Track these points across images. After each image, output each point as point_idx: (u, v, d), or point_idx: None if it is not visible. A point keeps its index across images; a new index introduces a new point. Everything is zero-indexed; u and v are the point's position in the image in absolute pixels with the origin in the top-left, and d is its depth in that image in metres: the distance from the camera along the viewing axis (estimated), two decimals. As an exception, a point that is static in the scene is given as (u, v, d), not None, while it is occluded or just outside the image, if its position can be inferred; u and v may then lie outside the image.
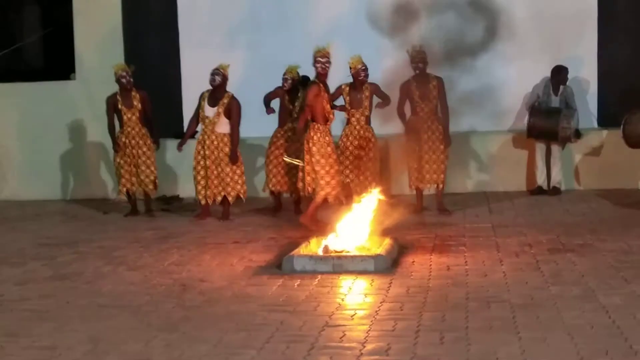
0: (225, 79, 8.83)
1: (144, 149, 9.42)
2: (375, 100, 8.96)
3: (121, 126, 9.42)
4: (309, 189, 8.10)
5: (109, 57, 10.40)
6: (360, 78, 8.71)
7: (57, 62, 12.18)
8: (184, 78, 11.31)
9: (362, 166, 8.89)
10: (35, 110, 11.33)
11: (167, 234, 8.19)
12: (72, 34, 11.26)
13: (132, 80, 9.33)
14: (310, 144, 8.02)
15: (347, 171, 8.89)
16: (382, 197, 7.02)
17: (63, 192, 11.28)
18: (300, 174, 8.26)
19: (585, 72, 10.68)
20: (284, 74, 9.22)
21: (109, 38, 11.06)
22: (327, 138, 8.08)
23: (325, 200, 8.08)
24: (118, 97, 9.38)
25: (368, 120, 8.94)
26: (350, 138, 8.90)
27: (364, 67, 8.69)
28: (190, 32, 11.24)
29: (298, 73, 9.26)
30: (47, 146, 11.24)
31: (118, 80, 9.33)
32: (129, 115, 9.37)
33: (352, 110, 8.88)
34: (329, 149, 8.06)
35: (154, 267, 6.76)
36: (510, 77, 10.67)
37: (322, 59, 8.14)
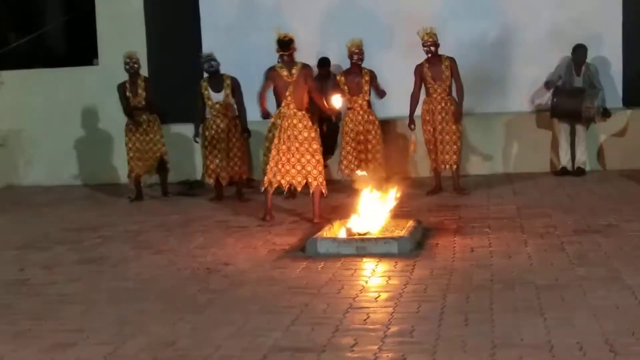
0: (219, 64, 9.02)
1: (151, 135, 9.51)
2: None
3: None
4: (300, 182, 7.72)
5: (131, 42, 10.45)
6: (353, 61, 9.00)
7: (80, 48, 12.25)
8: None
9: (368, 151, 9.12)
10: (59, 96, 11.41)
11: (190, 218, 8.24)
12: (94, 20, 11.31)
13: (136, 66, 9.44)
14: (296, 132, 7.60)
15: (351, 157, 9.13)
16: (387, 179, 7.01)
17: (87, 178, 11.36)
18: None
19: (610, 50, 10.54)
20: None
21: (131, 23, 11.11)
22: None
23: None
24: (127, 84, 9.48)
25: (369, 104, 9.16)
26: (354, 123, 9.13)
27: (356, 51, 8.98)
28: (211, 15, 11.23)
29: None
30: (70, 132, 11.32)
31: (124, 67, 9.43)
32: (135, 103, 9.47)
33: (353, 97, 9.09)
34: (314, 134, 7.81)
35: (179, 250, 6.81)
36: (534, 57, 10.56)
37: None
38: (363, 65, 9.14)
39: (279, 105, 7.76)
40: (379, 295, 5.11)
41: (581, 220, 7.19)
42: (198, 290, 5.45)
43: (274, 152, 7.55)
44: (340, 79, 9.15)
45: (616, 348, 3.97)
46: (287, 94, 7.60)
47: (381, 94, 9.24)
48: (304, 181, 7.66)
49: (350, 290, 5.27)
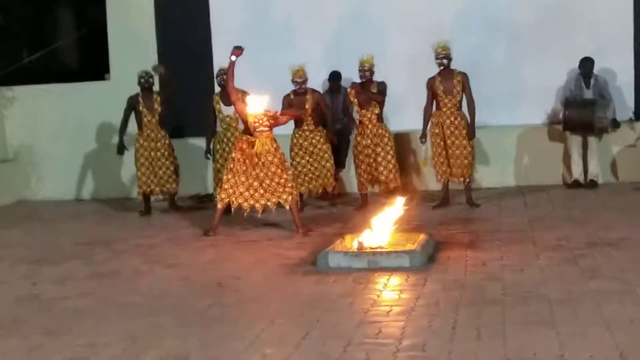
0: None
1: (162, 151, 9.54)
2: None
3: (140, 128, 9.54)
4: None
5: (142, 58, 10.52)
6: (364, 78, 9.04)
7: (92, 63, 12.32)
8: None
9: (378, 163, 9.12)
10: (71, 111, 11.49)
11: (202, 232, 8.24)
12: (106, 35, 11.39)
13: (151, 81, 9.48)
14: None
15: (365, 176, 9.21)
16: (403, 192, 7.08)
17: (98, 192, 11.41)
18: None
19: (621, 62, 10.51)
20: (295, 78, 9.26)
21: (143, 39, 11.18)
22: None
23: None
24: (140, 98, 9.51)
25: (380, 118, 9.14)
26: (364, 137, 9.16)
27: (364, 68, 9.01)
28: (222, 32, 11.27)
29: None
30: (82, 146, 11.38)
31: (138, 82, 9.49)
32: (149, 118, 9.51)
33: (363, 110, 9.08)
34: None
35: (190, 264, 6.81)
36: (545, 69, 10.56)
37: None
38: (375, 79, 9.16)
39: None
40: (391, 309, 5.09)
41: (594, 233, 7.15)
42: (209, 305, 5.44)
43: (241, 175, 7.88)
44: (351, 91, 9.17)
45: (630, 362, 3.94)
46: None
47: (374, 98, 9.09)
48: (277, 200, 7.87)
49: (361, 304, 5.25)
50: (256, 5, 11.27)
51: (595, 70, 10.00)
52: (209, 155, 9.43)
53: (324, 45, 10.94)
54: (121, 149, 9.64)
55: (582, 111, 9.69)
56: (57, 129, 11.51)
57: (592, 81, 9.95)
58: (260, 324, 4.91)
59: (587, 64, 9.92)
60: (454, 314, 4.89)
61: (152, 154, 9.55)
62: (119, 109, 10.39)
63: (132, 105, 9.56)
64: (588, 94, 9.95)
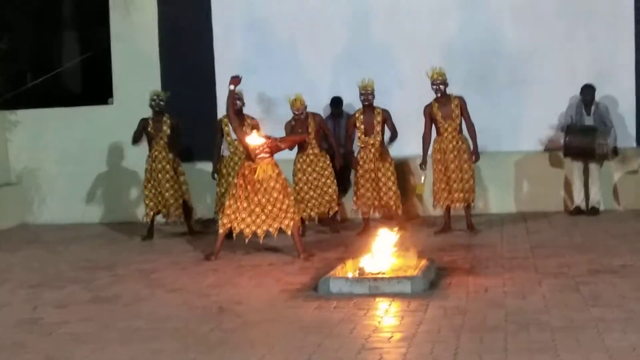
0: (243, 103, 9.21)
1: (172, 174, 9.55)
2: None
3: (149, 149, 9.58)
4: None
5: (146, 82, 10.57)
6: (365, 103, 9.14)
7: (95, 87, 12.38)
8: (220, 102, 11.40)
9: (380, 188, 9.14)
10: (74, 135, 11.52)
11: (203, 256, 8.22)
12: (109, 59, 11.44)
13: (162, 104, 9.50)
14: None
15: (362, 192, 9.19)
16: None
17: (101, 216, 11.41)
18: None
19: (623, 89, 10.55)
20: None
21: (146, 63, 11.24)
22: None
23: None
24: (150, 121, 9.55)
25: (382, 144, 9.20)
26: (365, 161, 9.19)
27: (367, 91, 9.10)
28: (226, 54, 11.33)
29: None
30: (85, 170, 11.40)
31: (150, 104, 9.52)
32: (157, 140, 9.53)
33: (366, 137, 9.15)
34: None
35: (192, 289, 6.80)
36: (545, 95, 10.59)
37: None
38: (376, 104, 9.20)
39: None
40: (392, 336, 5.08)
41: (596, 260, 7.15)
42: (210, 330, 5.43)
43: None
44: (359, 117, 9.19)
45: (633, 391, 3.93)
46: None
47: (393, 133, 9.22)
48: (279, 226, 7.88)
49: (363, 330, 5.24)
50: (259, 26, 11.33)
51: (596, 98, 10.03)
52: (215, 175, 9.43)
53: (326, 67, 10.98)
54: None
55: (583, 137, 9.71)
56: (61, 153, 11.55)
57: (593, 108, 9.97)
58: (261, 349, 4.90)
59: (588, 91, 9.96)
60: (456, 340, 4.88)
61: (160, 175, 9.56)
62: (122, 133, 10.45)
63: (142, 126, 9.59)
64: (589, 121, 9.97)
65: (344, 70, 10.81)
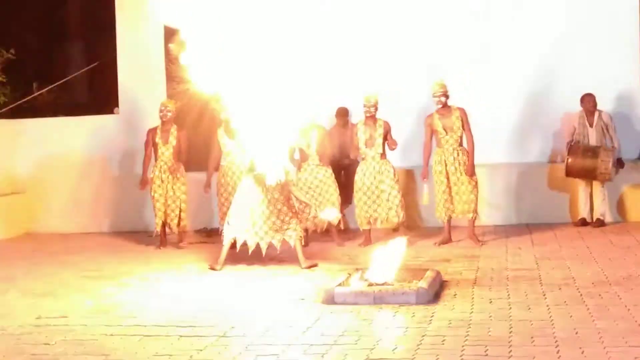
0: None
1: (178, 184, 9.57)
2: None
3: (155, 160, 9.60)
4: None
5: (152, 92, 10.59)
6: (367, 115, 9.13)
7: (102, 97, 12.43)
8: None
9: (383, 200, 9.11)
10: (79, 145, 11.55)
11: (208, 266, 8.22)
12: (116, 69, 11.48)
13: (169, 114, 9.51)
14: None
15: (367, 207, 9.15)
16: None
17: (107, 225, 11.43)
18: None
19: (628, 101, 10.55)
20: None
21: (152, 73, 11.27)
22: None
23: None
24: (157, 130, 9.57)
25: (382, 156, 9.19)
26: (367, 174, 9.15)
27: (370, 104, 9.10)
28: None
29: None
30: (90, 180, 11.43)
31: (159, 115, 9.54)
32: (163, 150, 9.55)
33: (366, 149, 9.13)
34: None
35: (196, 297, 6.79)
36: (551, 107, 10.59)
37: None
38: (378, 116, 9.20)
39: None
40: (396, 347, 5.07)
41: (601, 272, 7.13)
42: (215, 338, 5.42)
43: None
44: (360, 127, 9.19)
45: (638, 403, 3.91)
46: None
47: (391, 145, 9.19)
48: (282, 237, 7.93)
49: (367, 341, 5.22)
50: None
51: (601, 107, 10.00)
52: (208, 189, 9.46)
53: (330, 77, 10.99)
54: (143, 182, 9.67)
55: (585, 160, 9.61)
56: (66, 162, 11.57)
57: (595, 118, 9.92)
58: (263, 359, 4.88)
59: (588, 99, 9.91)
60: (460, 352, 4.87)
61: (168, 186, 9.58)
62: (128, 143, 10.47)
63: (150, 136, 9.61)
64: (592, 133, 9.88)
65: (346, 84, 10.81)
